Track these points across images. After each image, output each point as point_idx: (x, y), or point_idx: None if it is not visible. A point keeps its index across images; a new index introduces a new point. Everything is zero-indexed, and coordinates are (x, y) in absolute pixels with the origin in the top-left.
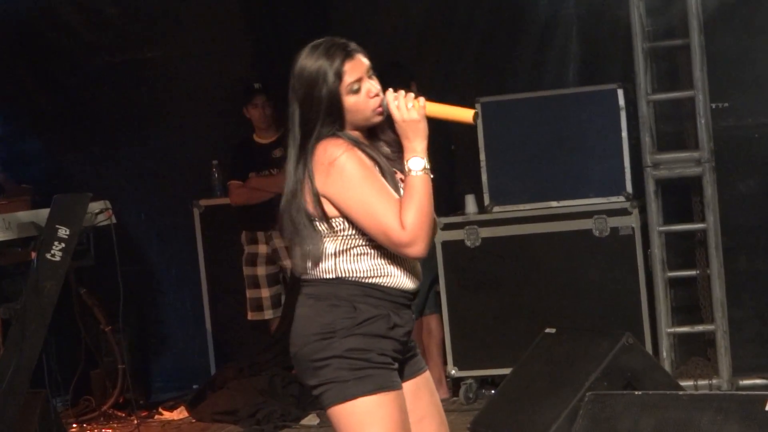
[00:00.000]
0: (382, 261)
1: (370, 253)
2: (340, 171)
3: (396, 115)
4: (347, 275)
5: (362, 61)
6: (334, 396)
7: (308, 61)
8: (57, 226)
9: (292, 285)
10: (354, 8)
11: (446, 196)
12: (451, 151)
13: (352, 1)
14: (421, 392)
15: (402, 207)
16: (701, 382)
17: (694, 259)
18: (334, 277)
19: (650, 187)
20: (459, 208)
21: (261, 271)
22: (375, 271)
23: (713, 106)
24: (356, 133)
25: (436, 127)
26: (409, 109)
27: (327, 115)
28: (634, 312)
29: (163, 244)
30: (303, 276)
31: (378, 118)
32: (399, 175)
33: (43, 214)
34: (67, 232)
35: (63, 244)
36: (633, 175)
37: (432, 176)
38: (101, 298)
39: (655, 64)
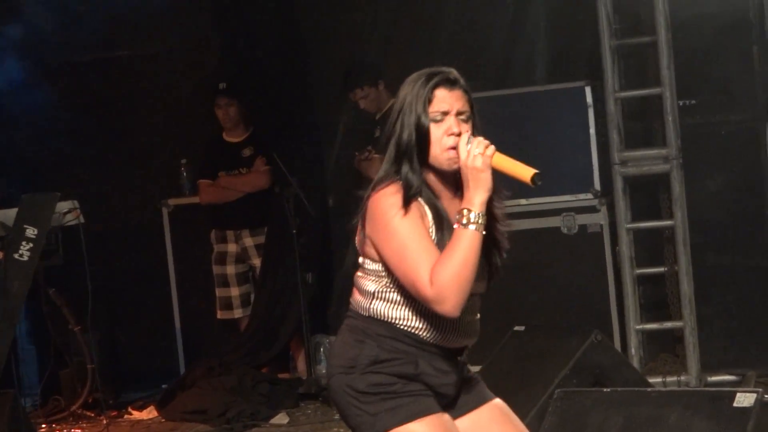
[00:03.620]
0: (420, 314)
1: (408, 304)
2: (385, 222)
3: (461, 156)
4: (380, 317)
5: (459, 96)
6: (367, 431)
7: (408, 86)
8: (25, 226)
9: (261, 283)
10: (322, 6)
11: None
12: None
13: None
14: (483, 424)
15: (438, 260)
16: (670, 379)
17: (663, 255)
18: (367, 315)
19: (618, 185)
20: None
21: (230, 269)
22: (409, 321)
23: (681, 103)
24: (432, 177)
25: None
26: (475, 156)
27: (416, 144)
28: (603, 309)
29: (131, 244)
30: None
31: (447, 163)
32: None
33: (11, 214)
34: (35, 232)
35: (31, 244)
36: (601, 172)
37: (484, 233)
38: (70, 297)
39: (623, 61)
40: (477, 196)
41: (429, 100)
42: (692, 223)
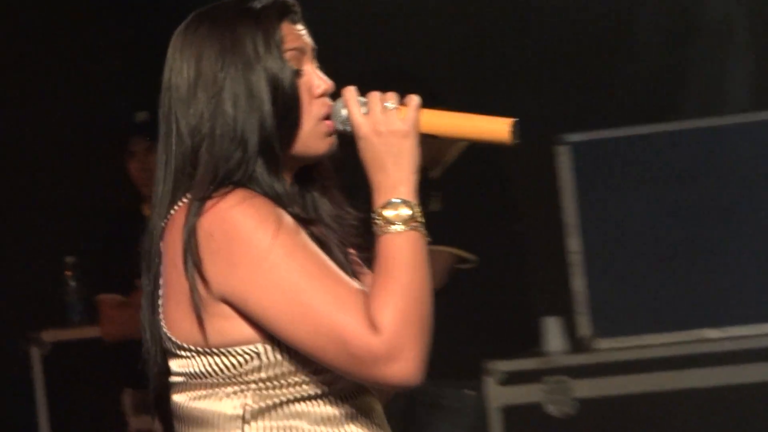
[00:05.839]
0: (335, 420)
1: (310, 411)
2: (248, 252)
3: (361, 124)
4: None
5: (305, 32)
6: None
7: (212, 26)
8: None
9: None
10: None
11: (502, 317)
12: (508, 231)
13: None
14: None
15: (372, 294)
16: None
17: None
18: None
19: None
20: (531, 341)
21: None
22: None
23: None
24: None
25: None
26: (388, 112)
27: (279, 121)
28: None
29: None
30: None
31: (323, 143)
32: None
33: None
34: None
35: None
36: None
37: (429, 237)
38: None
39: None
40: (403, 176)
41: (281, 41)
42: None
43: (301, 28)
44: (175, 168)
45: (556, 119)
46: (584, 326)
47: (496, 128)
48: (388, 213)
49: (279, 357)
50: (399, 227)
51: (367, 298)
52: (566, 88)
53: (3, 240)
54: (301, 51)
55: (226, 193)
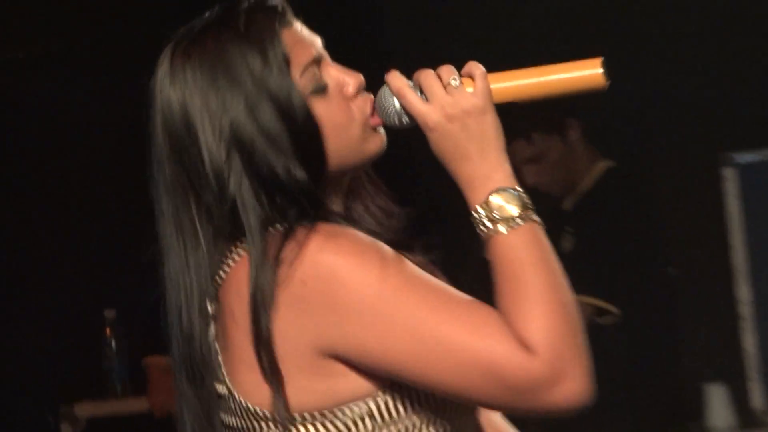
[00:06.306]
0: None
1: None
2: (347, 286)
3: (427, 112)
4: None
5: (306, 31)
6: None
7: (207, 62)
8: None
9: None
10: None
11: (654, 385)
12: (659, 277)
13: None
14: None
15: (508, 309)
16: None
17: None
18: None
19: None
20: (691, 414)
21: None
22: None
23: None
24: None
25: (613, 209)
26: (453, 91)
27: (301, 153)
28: None
29: None
30: None
31: (375, 141)
32: None
33: None
34: None
35: None
36: None
37: (542, 223)
38: None
39: None
40: (493, 161)
41: (287, 60)
42: None
43: (299, 29)
44: (207, 248)
45: (721, 136)
46: (756, 396)
47: (585, 74)
48: (493, 206)
49: (401, 409)
50: (510, 224)
51: (503, 316)
52: (733, 100)
53: (29, 292)
54: (316, 61)
55: (308, 233)
